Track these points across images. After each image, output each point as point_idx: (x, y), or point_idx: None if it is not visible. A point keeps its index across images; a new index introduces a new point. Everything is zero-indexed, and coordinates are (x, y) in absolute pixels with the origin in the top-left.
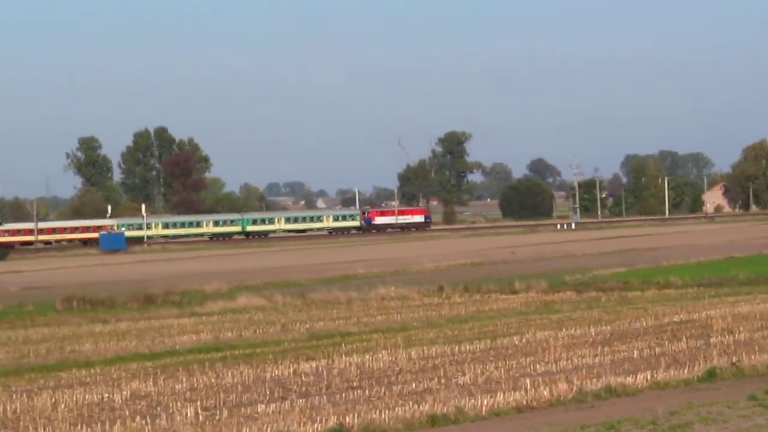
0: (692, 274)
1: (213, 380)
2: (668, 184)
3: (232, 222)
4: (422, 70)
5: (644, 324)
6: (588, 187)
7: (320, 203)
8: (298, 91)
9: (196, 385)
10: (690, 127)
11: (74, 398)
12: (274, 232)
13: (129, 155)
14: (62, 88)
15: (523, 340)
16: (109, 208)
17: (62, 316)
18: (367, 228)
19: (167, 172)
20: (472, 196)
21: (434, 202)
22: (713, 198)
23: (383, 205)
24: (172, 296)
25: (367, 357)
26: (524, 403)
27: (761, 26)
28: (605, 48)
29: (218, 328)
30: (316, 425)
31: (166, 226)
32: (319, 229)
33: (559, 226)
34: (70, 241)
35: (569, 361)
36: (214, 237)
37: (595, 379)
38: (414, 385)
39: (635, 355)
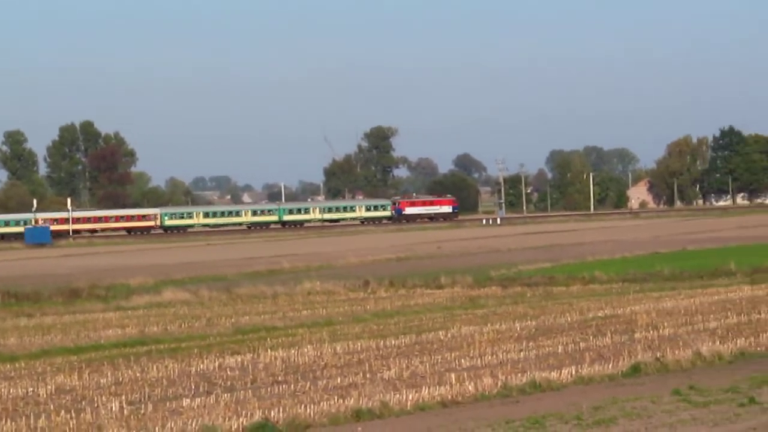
0: (617, 270)
1: (138, 374)
2: (593, 179)
3: (270, 211)
4: (348, 65)
5: (569, 319)
6: (513, 182)
7: (246, 198)
8: (224, 86)
9: (121, 379)
10: (615, 123)
11: None
12: (309, 221)
13: (55, 149)
14: None
15: (449, 335)
16: (35, 202)
17: None
18: (398, 218)
19: (93, 166)
20: (398, 191)
21: (360, 197)
22: (638, 194)
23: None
24: (97, 290)
25: (293, 351)
26: (449, 397)
27: (684, 24)
28: (529, 45)
29: (143, 322)
30: (241, 419)
31: (206, 215)
32: (352, 219)
33: (484, 221)
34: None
35: (494, 356)
36: (252, 226)
37: (520, 374)
38: (339, 379)
39: (560, 350)
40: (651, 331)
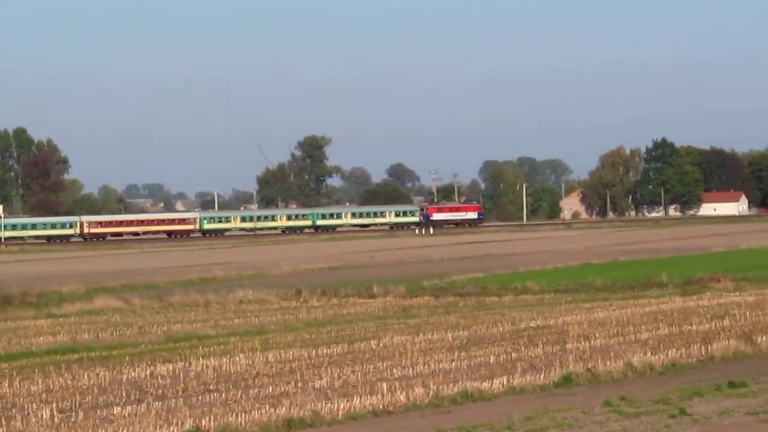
0: (549, 280)
1: (69, 382)
2: (526, 190)
3: (304, 216)
4: (283, 74)
5: (501, 329)
6: (447, 192)
7: (179, 206)
8: (158, 93)
9: (52, 386)
10: (548, 134)
11: None
12: (341, 226)
13: None
14: None
15: (381, 345)
16: None
17: None
18: (426, 223)
19: (25, 173)
20: (331, 200)
21: (293, 206)
22: (571, 204)
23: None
24: (28, 297)
25: (224, 360)
26: (381, 407)
27: (617, 35)
28: (461, 57)
29: (75, 329)
30: (172, 428)
31: (243, 219)
32: (382, 224)
33: (417, 231)
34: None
35: (426, 366)
36: (287, 230)
37: (451, 384)
38: (271, 388)
39: (492, 361)
40: (583, 342)
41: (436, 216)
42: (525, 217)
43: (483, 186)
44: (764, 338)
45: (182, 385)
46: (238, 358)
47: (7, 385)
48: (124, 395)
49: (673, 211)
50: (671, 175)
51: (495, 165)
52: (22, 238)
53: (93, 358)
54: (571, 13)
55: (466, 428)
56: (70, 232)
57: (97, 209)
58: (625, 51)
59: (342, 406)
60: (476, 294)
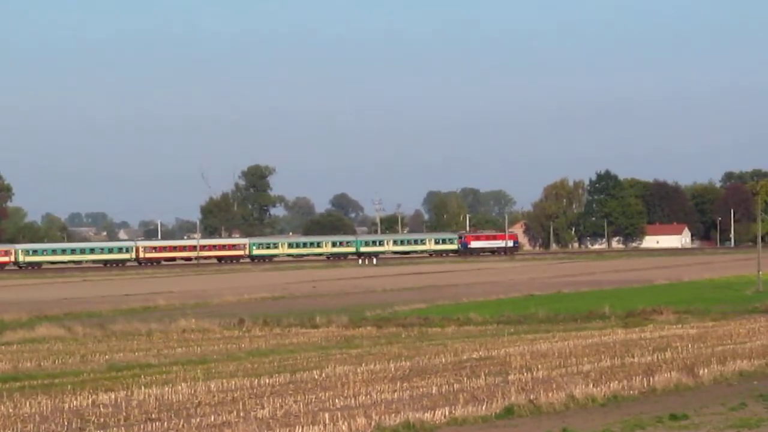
0: (492, 311)
1: (11, 410)
2: (470, 221)
3: (348, 243)
4: (226, 103)
5: (443, 360)
6: (390, 222)
7: (122, 234)
8: (101, 122)
9: None
10: (492, 165)
11: None
12: (383, 253)
13: None
14: None
15: (323, 375)
16: None
17: None
18: (464, 251)
19: None
20: (275, 230)
21: (236, 236)
22: None
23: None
24: None
25: (167, 389)
26: None
27: (561, 69)
28: (406, 88)
29: (17, 357)
30: None
31: (290, 246)
32: (421, 252)
33: (360, 262)
34: None
35: (368, 396)
36: (331, 257)
37: (393, 415)
38: (213, 417)
39: (434, 391)
40: (525, 373)
41: (474, 244)
42: None
43: (426, 217)
44: (706, 371)
45: (124, 414)
46: (180, 387)
47: None
48: (66, 424)
49: (616, 243)
50: (614, 208)
51: (438, 196)
52: (80, 262)
53: (35, 387)
54: (515, 48)
55: None
56: (127, 256)
57: (40, 237)
58: (570, 86)
59: None
60: (419, 325)
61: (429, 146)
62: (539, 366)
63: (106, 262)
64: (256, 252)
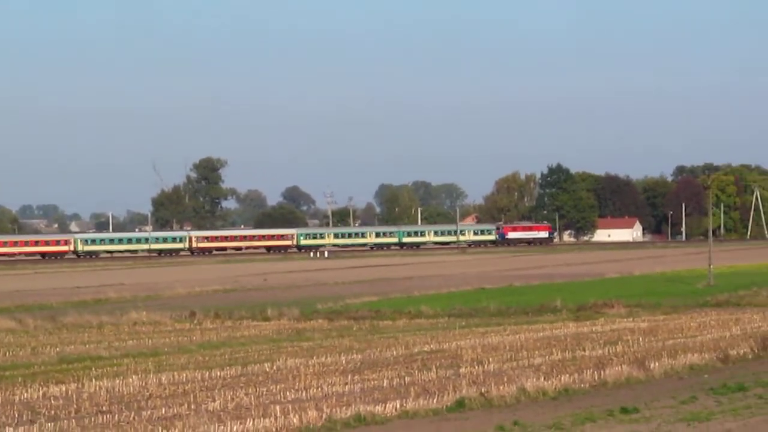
0: (443, 305)
1: None
2: (421, 214)
3: (391, 233)
4: (178, 95)
5: (395, 353)
6: (342, 215)
7: (74, 227)
8: (52, 112)
9: None
10: (443, 158)
11: None
12: (425, 243)
13: None
14: None
15: (274, 367)
16: None
17: None
18: (501, 241)
19: None
20: (226, 222)
21: (188, 229)
22: None
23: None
24: None
25: (117, 381)
26: (273, 430)
27: (511, 65)
28: (360, 84)
29: None
30: None
31: (336, 236)
32: (461, 242)
33: (312, 254)
34: None
35: (319, 389)
36: (375, 247)
37: (344, 408)
38: (164, 410)
39: (385, 384)
40: (476, 367)
41: (511, 234)
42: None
43: (378, 210)
44: (657, 364)
45: (75, 406)
46: (131, 380)
47: None
48: (17, 416)
49: (567, 237)
50: (566, 201)
51: (390, 189)
52: (135, 251)
53: None
54: (465, 44)
55: None
56: (180, 246)
57: None
58: (522, 81)
59: (235, 429)
60: (370, 318)
61: (381, 139)
62: (490, 359)
63: (160, 252)
64: (303, 242)
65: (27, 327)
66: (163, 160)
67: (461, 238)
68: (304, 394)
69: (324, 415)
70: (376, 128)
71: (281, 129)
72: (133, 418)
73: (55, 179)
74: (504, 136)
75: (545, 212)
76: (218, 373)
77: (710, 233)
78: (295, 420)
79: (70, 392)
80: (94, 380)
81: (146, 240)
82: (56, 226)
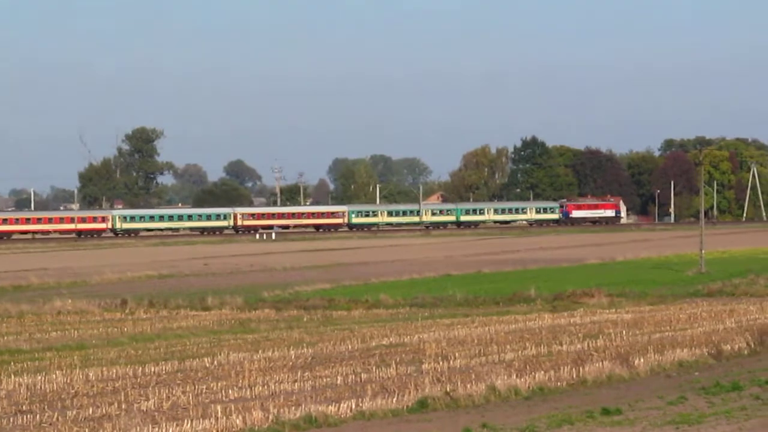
0: (404, 293)
1: None
2: (380, 191)
3: (449, 212)
4: (109, 58)
5: (350, 347)
6: (291, 193)
7: None
8: None
9: None
10: (405, 130)
11: None
12: (484, 222)
13: None
14: None
15: (215, 363)
16: None
17: None
18: (565, 220)
19: None
20: (162, 200)
21: (119, 206)
22: None
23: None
24: None
25: (39, 378)
26: None
27: (481, 34)
28: (313, 53)
29: None
30: None
31: (390, 214)
32: (523, 221)
33: (258, 236)
34: None
35: (265, 387)
36: (431, 226)
37: (293, 408)
38: (91, 410)
39: (339, 382)
40: (441, 362)
41: (576, 213)
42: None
43: (332, 187)
44: (642, 360)
45: None
46: (54, 376)
47: None
48: None
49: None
50: (541, 178)
51: (345, 164)
52: (177, 229)
53: None
54: (434, 14)
55: None
56: (225, 224)
57: None
58: (492, 49)
59: (170, 431)
60: (323, 307)
61: (335, 110)
62: (457, 354)
63: (203, 230)
64: (355, 221)
65: None
66: (91, 131)
67: (523, 216)
68: (248, 392)
69: (270, 416)
70: (330, 99)
71: (224, 98)
72: (57, 418)
73: None
74: (472, 107)
75: (518, 190)
76: (152, 369)
77: (702, 214)
78: (238, 421)
79: None
80: (13, 376)
81: (189, 217)
82: None
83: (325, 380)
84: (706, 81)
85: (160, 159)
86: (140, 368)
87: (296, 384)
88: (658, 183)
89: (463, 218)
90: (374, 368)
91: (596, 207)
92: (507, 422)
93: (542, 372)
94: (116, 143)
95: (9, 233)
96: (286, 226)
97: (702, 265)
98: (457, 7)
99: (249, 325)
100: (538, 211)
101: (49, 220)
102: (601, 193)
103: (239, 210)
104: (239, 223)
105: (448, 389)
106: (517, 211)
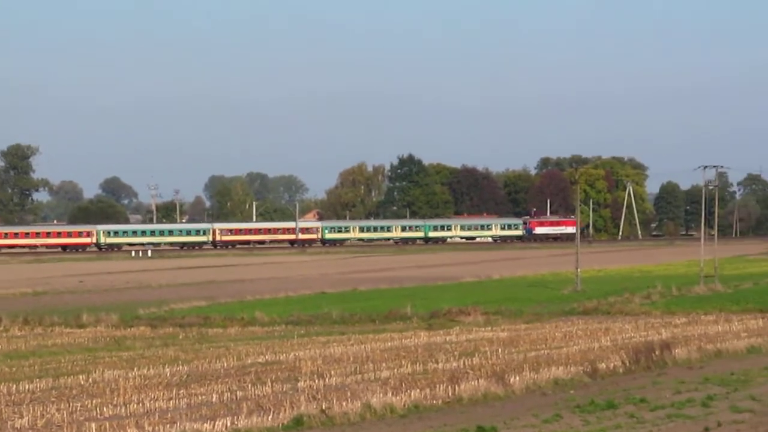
0: (280, 311)
1: None
2: (256, 209)
3: (417, 227)
4: None
5: (225, 365)
6: (167, 210)
7: None
8: None
9: None
10: (281, 149)
11: None
12: (451, 238)
13: None
14: None
15: (90, 380)
16: None
17: None
18: (528, 237)
19: None
20: (38, 217)
21: None
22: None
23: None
24: None
25: None
26: None
27: (351, 49)
28: (187, 73)
29: None
30: None
31: (362, 230)
32: (487, 237)
33: (134, 254)
34: None
35: (140, 405)
36: (400, 242)
37: (168, 425)
38: None
39: (214, 399)
40: (316, 380)
41: (539, 230)
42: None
43: (208, 203)
44: (517, 378)
45: None
46: None
47: None
48: None
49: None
50: (418, 196)
51: (221, 181)
52: (158, 244)
53: None
54: (309, 31)
55: None
56: (204, 239)
57: None
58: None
59: None
60: (198, 325)
61: (211, 128)
62: (332, 372)
63: (183, 245)
64: (328, 236)
65: None
66: None
67: (487, 233)
68: (123, 410)
69: None
70: (206, 117)
71: (99, 116)
72: None
73: None
74: (349, 125)
75: (395, 208)
76: (26, 386)
77: (578, 233)
78: None
79: None
80: None
81: (170, 233)
82: None
83: (200, 398)
84: (583, 102)
85: (36, 176)
86: (14, 386)
87: (171, 402)
88: (534, 201)
89: (431, 234)
90: (250, 386)
91: (558, 224)
92: None
93: (418, 390)
94: None
95: None
96: (262, 242)
97: (578, 284)
98: (331, 24)
99: (124, 343)
100: (503, 228)
101: (37, 235)
102: (477, 211)
103: (218, 226)
104: (218, 238)
105: (323, 407)
106: (482, 227)
